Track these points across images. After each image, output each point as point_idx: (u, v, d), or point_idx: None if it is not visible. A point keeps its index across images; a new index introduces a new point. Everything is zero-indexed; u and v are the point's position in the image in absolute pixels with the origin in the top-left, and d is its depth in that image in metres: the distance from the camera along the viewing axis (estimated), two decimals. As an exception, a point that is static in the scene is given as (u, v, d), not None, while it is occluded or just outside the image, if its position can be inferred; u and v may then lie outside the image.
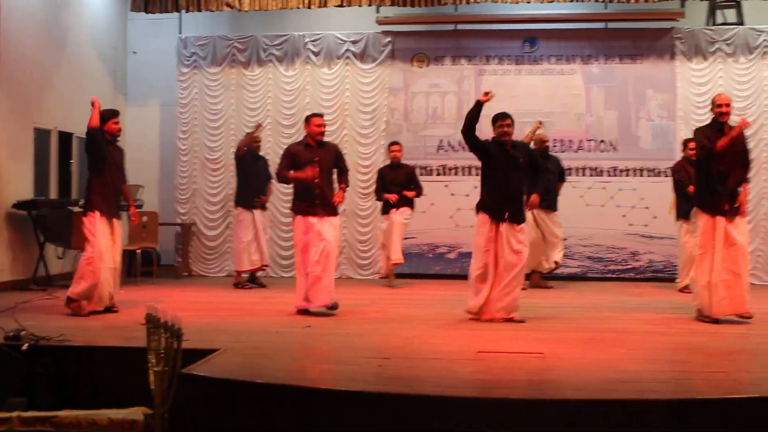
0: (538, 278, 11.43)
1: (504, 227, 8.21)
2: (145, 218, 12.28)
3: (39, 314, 8.49)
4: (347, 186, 9.10)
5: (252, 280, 11.72)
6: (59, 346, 6.60)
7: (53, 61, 12.02)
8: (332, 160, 8.97)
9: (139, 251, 12.02)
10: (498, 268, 8.24)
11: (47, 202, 11.33)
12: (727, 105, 8.25)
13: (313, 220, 8.75)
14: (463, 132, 8.27)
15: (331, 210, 8.84)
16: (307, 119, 9.07)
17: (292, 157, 8.87)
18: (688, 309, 8.62)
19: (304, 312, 8.72)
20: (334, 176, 9.06)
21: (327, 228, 8.76)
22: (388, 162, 11.99)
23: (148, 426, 4.76)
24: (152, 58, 14.02)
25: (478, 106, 8.13)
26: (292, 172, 8.78)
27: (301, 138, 12.66)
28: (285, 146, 12.91)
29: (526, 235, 8.40)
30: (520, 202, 8.38)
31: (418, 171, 12.38)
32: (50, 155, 11.84)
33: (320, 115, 9.17)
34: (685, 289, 10.74)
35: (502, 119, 8.31)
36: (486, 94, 8.13)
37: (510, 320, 8.14)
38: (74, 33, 12.55)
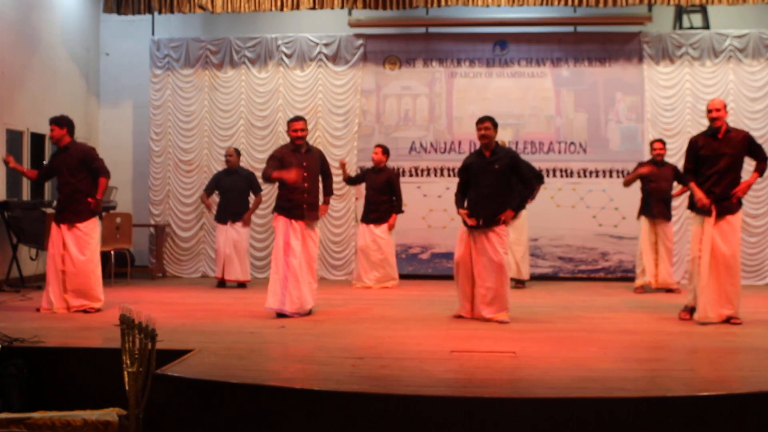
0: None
1: (479, 232, 8.34)
2: (118, 219, 12.26)
3: (12, 315, 8.49)
4: (331, 195, 9.16)
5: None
6: (32, 348, 6.58)
7: (25, 62, 11.97)
8: (318, 165, 8.94)
9: (113, 252, 12.00)
10: (476, 270, 8.37)
11: (20, 204, 11.27)
12: (717, 110, 8.26)
13: (297, 225, 8.75)
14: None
15: (316, 216, 8.87)
16: (288, 124, 9.02)
17: (280, 160, 8.78)
18: (657, 308, 8.73)
19: (279, 315, 8.71)
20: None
21: (311, 235, 8.82)
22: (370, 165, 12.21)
23: (122, 427, 4.78)
24: (125, 59, 13.99)
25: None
26: (276, 171, 8.64)
27: (274, 140, 12.90)
28: (257, 148, 13.12)
29: (506, 238, 8.42)
30: (494, 205, 8.32)
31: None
32: (23, 156, 11.78)
33: (298, 120, 8.98)
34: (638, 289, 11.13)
35: (479, 123, 8.46)
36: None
37: (500, 321, 8.23)
38: (46, 34, 12.51)
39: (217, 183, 11.94)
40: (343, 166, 12.01)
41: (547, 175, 12.82)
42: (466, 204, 8.53)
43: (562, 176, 12.94)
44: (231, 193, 11.75)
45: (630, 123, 12.95)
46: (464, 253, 8.48)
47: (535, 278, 12.43)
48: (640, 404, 5.02)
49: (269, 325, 8.07)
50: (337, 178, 12.99)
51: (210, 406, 5.35)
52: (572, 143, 13.00)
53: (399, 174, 12.11)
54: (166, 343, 6.22)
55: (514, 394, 5.19)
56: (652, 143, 11.33)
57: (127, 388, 4.73)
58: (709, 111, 8.31)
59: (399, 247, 12.96)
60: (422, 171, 13.16)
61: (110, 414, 4.87)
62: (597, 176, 12.91)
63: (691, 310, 8.39)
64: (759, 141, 12.50)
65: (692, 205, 8.41)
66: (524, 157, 12.52)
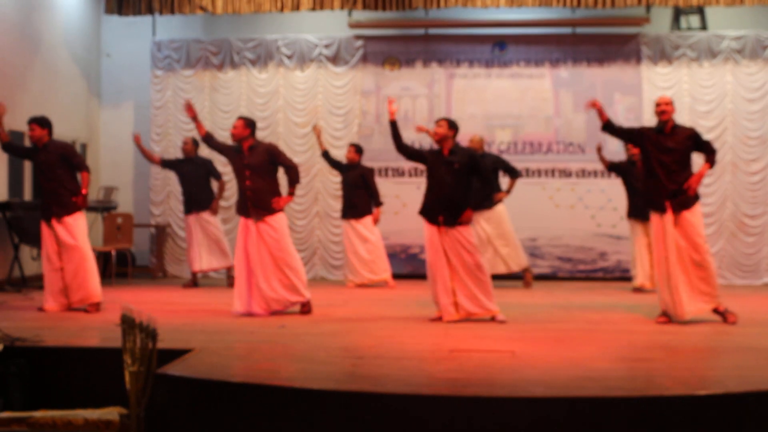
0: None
1: (445, 230, 8.32)
2: (119, 219, 12.31)
3: (14, 315, 8.52)
4: (295, 184, 8.95)
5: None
6: (34, 347, 6.59)
7: (26, 63, 12.01)
8: (265, 162, 8.89)
9: (114, 252, 12.04)
10: (454, 270, 8.33)
11: (22, 204, 11.30)
12: (667, 104, 8.29)
13: (251, 224, 8.82)
14: (397, 150, 8.62)
15: (266, 211, 8.82)
16: None
17: (228, 157, 9.12)
18: (655, 308, 8.75)
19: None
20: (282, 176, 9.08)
21: (268, 231, 8.80)
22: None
23: (123, 426, 4.80)
24: (126, 60, 14.03)
25: (391, 125, 8.51)
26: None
27: (274, 140, 12.94)
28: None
29: (473, 235, 8.48)
30: (454, 205, 8.32)
31: (390, 173, 12.67)
32: (24, 157, 11.83)
33: (239, 118, 9.07)
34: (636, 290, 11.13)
35: (438, 120, 8.52)
36: (390, 103, 8.52)
37: (500, 321, 8.25)
38: (48, 35, 12.54)
39: (175, 168, 11.93)
40: (317, 132, 11.95)
41: (546, 176, 12.88)
42: (422, 204, 8.56)
43: (560, 176, 12.98)
44: (190, 181, 11.71)
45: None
46: (438, 254, 8.37)
47: (534, 278, 12.46)
48: (639, 403, 5.04)
49: (269, 324, 8.09)
50: (337, 178, 13.06)
51: (210, 406, 5.38)
52: (571, 144, 13.04)
53: (373, 170, 12.17)
54: (166, 343, 6.24)
55: (512, 394, 5.20)
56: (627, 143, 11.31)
57: (128, 387, 4.74)
58: (658, 105, 8.32)
59: (398, 246, 13.02)
60: (421, 171, 13.15)
61: (111, 413, 4.89)
62: (595, 176, 12.94)
63: (666, 313, 8.36)
64: (757, 141, 12.70)
65: (650, 203, 8.41)
66: (523, 157, 12.75)
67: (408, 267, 13.14)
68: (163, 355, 5.48)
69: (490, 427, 4.95)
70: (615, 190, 12.75)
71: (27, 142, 11.78)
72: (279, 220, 8.89)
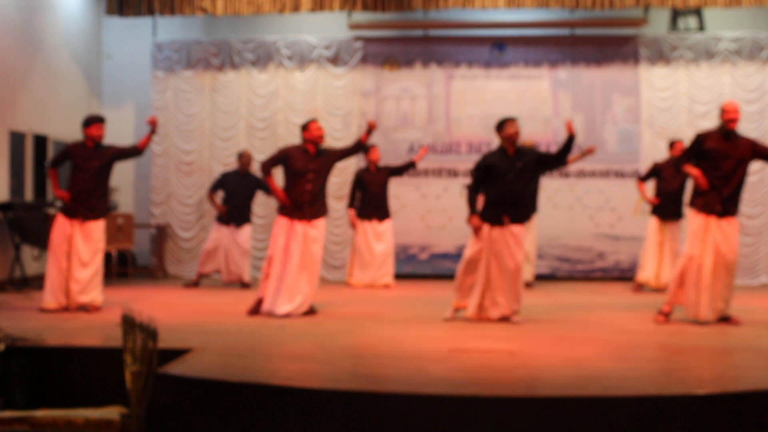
0: None
1: (498, 232, 8.26)
2: (120, 220, 12.34)
3: (15, 315, 8.53)
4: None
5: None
6: (35, 347, 6.61)
7: (28, 64, 12.02)
8: (328, 166, 9.00)
9: (114, 252, 12.06)
10: (490, 274, 8.30)
11: (23, 205, 11.32)
12: (737, 112, 8.19)
13: (298, 226, 8.77)
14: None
15: (319, 215, 8.88)
16: (306, 125, 8.99)
17: (285, 159, 8.92)
18: (654, 308, 8.77)
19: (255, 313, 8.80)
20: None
21: (313, 236, 8.81)
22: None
23: (124, 425, 4.82)
24: (127, 61, 14.03)
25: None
26: (273, 179, 8.92)
27: (274, 141, 12.97)
28: (257, 149, 13.12)
29: (523, 238, 8.41)
30: (519, 204, 8.33)
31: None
32: (25, 158, 11.83)
33: (316, 120, 9.15)
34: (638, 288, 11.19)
35: (511, 121, 8.34)
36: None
37: (514, 322, 8.25)
38: (49, 36, 12.56)
39: (223, 183, 11.86)
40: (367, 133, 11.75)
41: (545, 176, 12.88)
42: (483, 206, 8.40)
43: (559, 177, 13.00)
44: (236, 195, 11.70)
45: (626, 125, 13.03)
46: (481, 251, 8.30)
47: (533, 278, 12.49)
48: (637, 403, 5.06)
49: (269, 324, 8.12)
50: (337, 179, 13.09)
51: (210, 405, 5.40)
52: (569, 144, 13.05)
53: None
54: (166, 343, 6.24)
55: (512, 393, 5.23)
56: (674, 143, 11.11)
57: (128, 386, 4.77)
58: (727, 112, 8.19)
59: (397, 247, 13.01)
60: (421, 172, 13.22)
61: (112, 412, 4.91)
62: (593, 177, 12.97)
63: (668, 313, 8.38)
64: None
65: (695, 203, 8.35)
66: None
67: (408, 267, 13.17)
68: (163, 355, 5.49)
69: (490, 427, 4.97)
70: (613, 191, 12.82)
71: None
72: (323, 225, 8.99)
